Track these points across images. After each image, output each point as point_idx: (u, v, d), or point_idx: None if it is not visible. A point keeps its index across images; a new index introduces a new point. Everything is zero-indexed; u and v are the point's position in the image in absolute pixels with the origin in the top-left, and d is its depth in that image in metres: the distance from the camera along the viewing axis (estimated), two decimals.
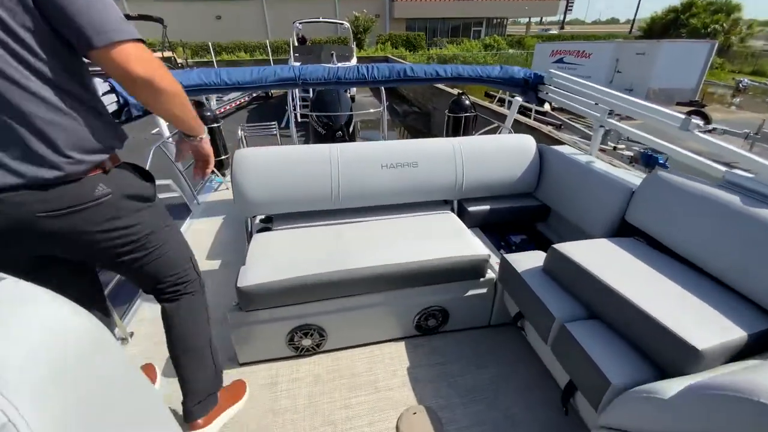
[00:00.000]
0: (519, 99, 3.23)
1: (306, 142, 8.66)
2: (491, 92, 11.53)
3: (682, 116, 1.57)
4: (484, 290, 1.71)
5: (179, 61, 15.51)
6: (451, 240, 1.71)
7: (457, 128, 3.87)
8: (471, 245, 1.67)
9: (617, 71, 13.79)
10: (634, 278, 1.22)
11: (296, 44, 13.69)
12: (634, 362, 1.07)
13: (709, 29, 22.73)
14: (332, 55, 7.93)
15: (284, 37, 20.81)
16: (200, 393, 1.26)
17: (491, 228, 2.17)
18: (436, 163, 1.98)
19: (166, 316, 1.20)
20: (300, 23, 12.72)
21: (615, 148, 7.91)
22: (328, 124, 4.21)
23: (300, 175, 1.84)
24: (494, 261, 1.75)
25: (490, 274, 1.69)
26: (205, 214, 2.91)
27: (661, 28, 25.61)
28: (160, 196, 2.52)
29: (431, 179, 1.98)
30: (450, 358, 1.66)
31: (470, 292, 1.69)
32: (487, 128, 3.33)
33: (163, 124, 2.86)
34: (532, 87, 2.44)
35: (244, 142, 4.14)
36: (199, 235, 2.60)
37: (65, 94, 0.82)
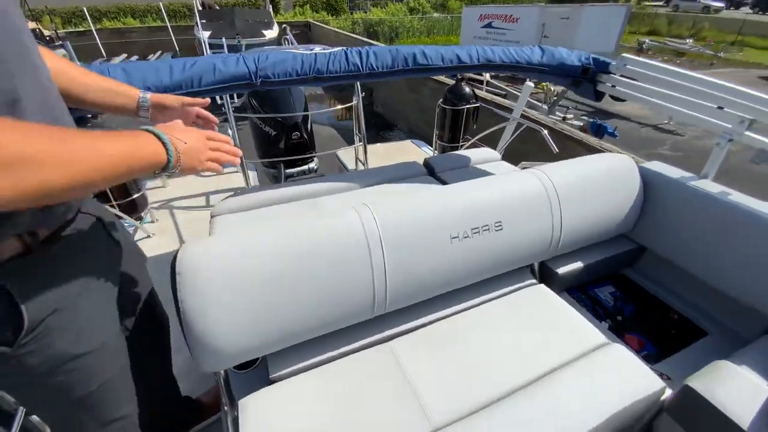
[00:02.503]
0: (531, 84, 2.60)
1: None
2: None
3: None
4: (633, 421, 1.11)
5: (46, 33, 12.19)
6: (590, 362, 1.05)
7: (455, 125, 3.13)
8: (625, 365, 1.03)
9: (544, 36, 13.97)
10: None
11: (200, 8, 11.58)
12: None
13: None
14: (285, 28, 5.94)
15: None
16: None
17: (574, 285, 1.57)
18: (527, 216, 1.25)
19: None
20: None
21: (564, 119, 7.89)
22: (278, 122, 3.19)
23: (315, 278, 0.97)
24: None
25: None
26: None
27: None
28: None
29: (519, 242, 1.25)
30: None
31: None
32: (496, 127, 2.65)
33: None
34: (590, 78, 1.80)
35: None
36: None
37: None
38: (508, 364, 1.07)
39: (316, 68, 1.61)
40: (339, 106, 3.14)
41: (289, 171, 3.38)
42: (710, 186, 1.41)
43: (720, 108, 1.42)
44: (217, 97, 2.95)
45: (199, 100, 1.01)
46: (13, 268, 0.63)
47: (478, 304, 1.28)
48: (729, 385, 0.97)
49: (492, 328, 1.18)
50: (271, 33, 11.50)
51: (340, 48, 1.70)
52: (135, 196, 2.39)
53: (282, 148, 3.30)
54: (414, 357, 1.08)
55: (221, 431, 1.32)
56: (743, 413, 0.90)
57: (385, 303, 1.07)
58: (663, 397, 1.08)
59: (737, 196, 1.33)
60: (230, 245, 0.94)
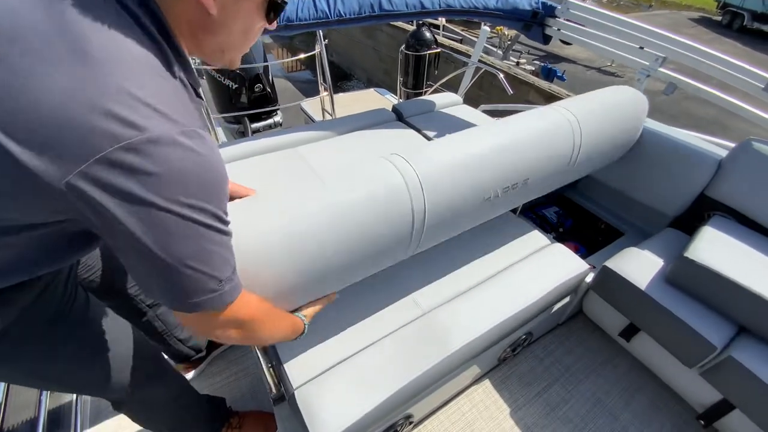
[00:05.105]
0: (487, 29, 2.75)
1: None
2: None
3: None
4: (567, 299, 1.46)
5: None
6: (538, 256, 1.35)
7: (418, 70, 3.21)
8: (562, 256, 1.34)
9: None
10: None
11: None
12: None
13: None
14: None
15: None
16: None
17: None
18: (553, 163, 1.18)
19: None
20: None
21: (518, 64, 8.11)
22: (238, 74, 3.10)
23: (359, 230, 0.86)
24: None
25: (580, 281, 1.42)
26: None
27: None
28: None
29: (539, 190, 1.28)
30: (544, 383, 1.43)
31: (557, 307, 1.42)
32: (456, 72, 2.79)
33: None
34: (539, 21, 1.97)
35: None
36: None
37: None
38: (478, 263, 1.35)
39: (285, 16, 1.65)
40: (302, 55, 3.08)
41: (254, 125, 3.34)
42: None
43: (641, 48, 1.67)
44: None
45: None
46: None
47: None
48: (633, 262, 1.31)
49: (467, 242, 1.44)
50: None
51: None
52: None
53: (245, 102, 3.24)
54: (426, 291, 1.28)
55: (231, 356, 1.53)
56: (641, 279, 1.25)
57: (419, 245, 1.04)
58: (588, 279, 1.42)
59: (651, 123, 1.63)
60: (271, 204, 0.85)
